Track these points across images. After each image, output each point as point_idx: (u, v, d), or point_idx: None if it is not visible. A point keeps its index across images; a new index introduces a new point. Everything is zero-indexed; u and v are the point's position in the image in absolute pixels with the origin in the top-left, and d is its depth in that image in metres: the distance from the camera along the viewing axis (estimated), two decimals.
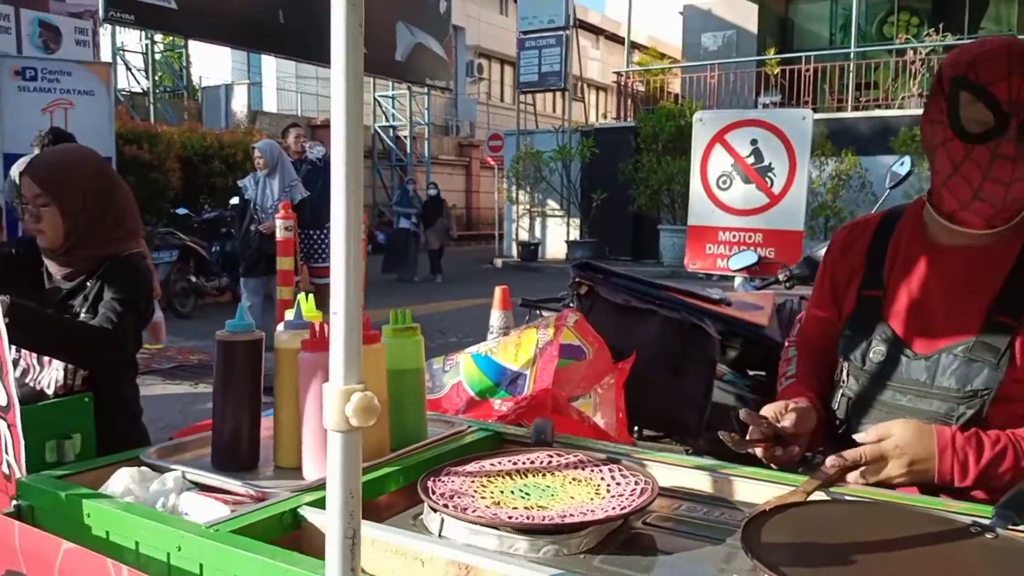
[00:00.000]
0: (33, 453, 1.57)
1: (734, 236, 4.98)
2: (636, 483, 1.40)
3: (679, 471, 1.56)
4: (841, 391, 1.68)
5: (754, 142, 4.72)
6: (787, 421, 1.55)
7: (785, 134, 4.57)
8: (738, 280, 5.00)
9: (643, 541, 1.30)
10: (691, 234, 5.19)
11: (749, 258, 4.65)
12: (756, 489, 1.46)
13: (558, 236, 18.91)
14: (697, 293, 4.06)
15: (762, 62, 18.16)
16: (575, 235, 18.43)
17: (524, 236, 19.28)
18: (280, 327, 1.60)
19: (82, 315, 2.18)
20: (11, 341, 1.97)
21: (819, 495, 1.38)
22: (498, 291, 5.18)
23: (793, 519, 1.24)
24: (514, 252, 19.01)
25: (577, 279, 3.85)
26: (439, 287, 13.65)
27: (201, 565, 1.15)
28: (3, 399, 1.44)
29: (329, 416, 0.96)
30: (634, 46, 22.59)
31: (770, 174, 4.69)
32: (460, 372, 2.09)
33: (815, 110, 15.45)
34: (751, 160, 4.75)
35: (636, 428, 3.89)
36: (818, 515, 1.26)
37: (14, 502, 1.35)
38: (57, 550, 1.10)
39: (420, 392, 1.71)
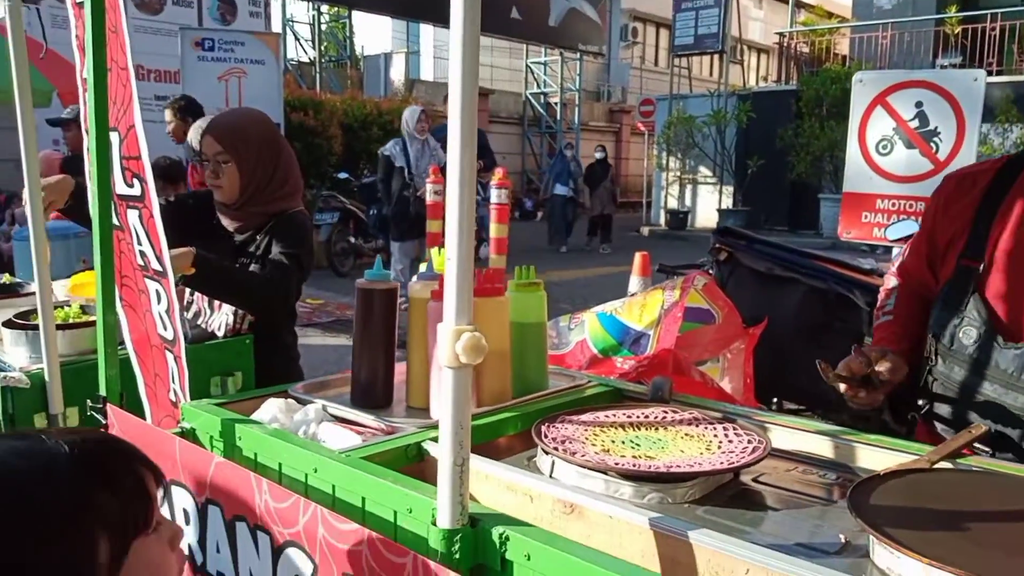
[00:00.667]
0: (200, 386, 1.77)
1: (893, 204, 4.68)
2: (749, 441, 1.41)
3: (799, 435, 1.54)
4: (928, 370, 1.59)
5: (919, 104, 4.39)
6: (882, 367, 1.49)
7: (954, 96, 4.22)
8: (896, 251, 4.72)
9: (751, 497, 1.31)
10: (846, 201, 4.93)
11: (909, 228, 4.36)
12: (878, 456, 1.43)
13: (709, 204, 18.38)
14: (847, 263, 3.88)
15: (941, 21, 16.69)
16: (727, 203, 17.85)
17: (673, 204, 18.89)
18: (414, 279, 1.72)
19: (252, 267, 2.39)
20: (192, 286, 2.21)
21: (942, 464, 1.34)
22: (638, 257, 5.16)
23: (908, 484, 1.21)
24: (662, 220, 18.68)
25: (717, 245, 3.78)
26: (588, 255, 13.56)
27: (334, 486, 1.28)
28: (171, 334, 1.63)
29: (442, 354, 1.04)
30: (799, 5, 21.40)
31: (935, 139, 4.36)
32: (585, 330, 2.14)
33: (1000, 72, 14.08)
34: (915, 124, 4.43)
35: (775, 400, 3.80)
36: (934, 482, 1.22)
37: (179, 424, 1.54)
38: (209, 463, 1.25)
39: (542, 345, 1.77)
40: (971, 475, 1.29)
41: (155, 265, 1.66)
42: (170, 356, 1.64)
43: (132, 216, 1.70)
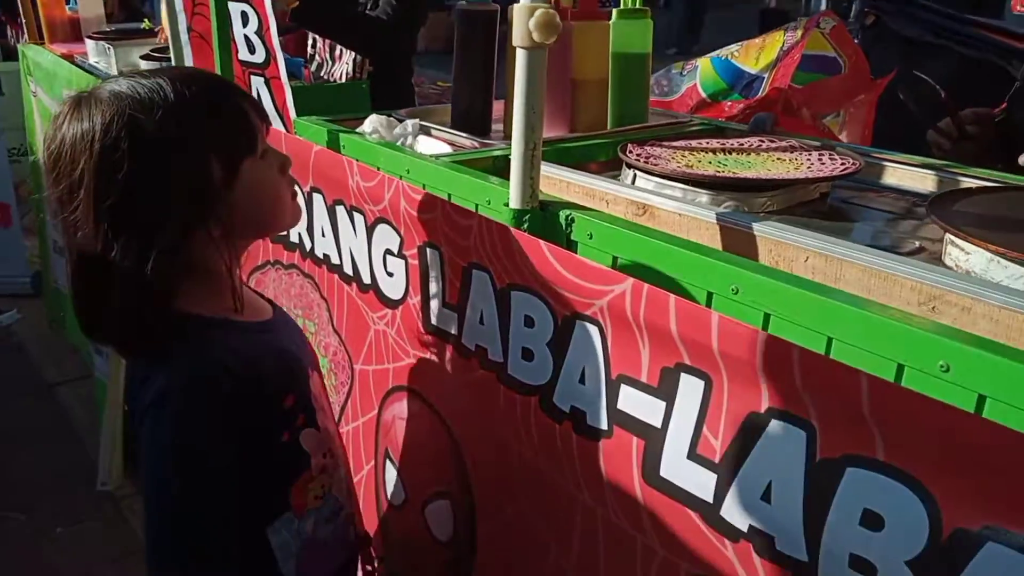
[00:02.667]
0: None
1: None
2: (843, 163, 1.37)
3: (902, 170, 1.49)
4: None
5: None
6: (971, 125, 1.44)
7: None
8: None
9: (832, 214, 1.30)
10: None
11: None
12: None
13: None
14: (1014, 31, 3.47)
15: None
16: None
17: None
18: None
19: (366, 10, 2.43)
20: (298, 22, 2.28)
21: None
22: None
23: (995, 199, 1.16)
24: None
25: (865, 8, 3.45)
26: None
27: (424, 185, 1.37)
28: (260, 56, 1.68)
29: (515, 33, 1.06)
30: None
31: None
32: (697, 76, 2.07)
33: None
34: None
35: None
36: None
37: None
38: (310, 151, 1.36)
39: (644, 77, 1.74)
40: None
41: None
42: (258, 80, 1.70)
43: None
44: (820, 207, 1.34)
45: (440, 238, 1.12)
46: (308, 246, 1.48)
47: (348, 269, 1.38)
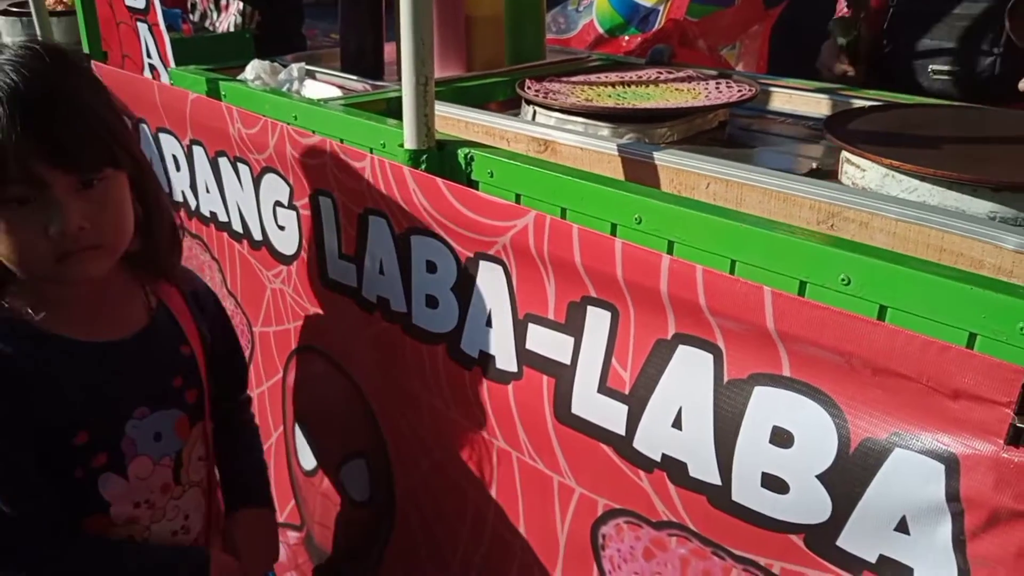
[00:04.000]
0: None
1: None
2: (739, 90, 1.36)
3: (797, 96, 1.49)
4: None
5: None
6: None
7: None
8: None
9: (732, 141, 1.30)
10: None
11: None
12: None
13: None
14: None
15: None
16: None
17: None
18: None
19: None
20: None
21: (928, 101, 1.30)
22: None
23: (889, 116, 1.17)
24: None
25: None
26: None
27: (314, 131, 1.29)
28: (142, 2, 1.56)
29: None
30: None
31: None
32: (593, 11, 2.03)
33: None
34: None
35: None
36: (917, 115, 1.18)
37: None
38: (185, 100, 1.26)
39: (539, 13, 1.69)
40: (956, 109, 1.25)
41: None
42: (143, 27, 1.59)
43: None
44: (719, 135, 1.33)
45: (331, 184, 1.06)
46: (193, 204, 1.39)
47: (237, 226, 1.30)
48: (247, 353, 1.43)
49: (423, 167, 1.07)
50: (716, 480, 0.74)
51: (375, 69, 1.63)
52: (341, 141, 1.23)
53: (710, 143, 1.28)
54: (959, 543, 0.59)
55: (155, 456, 0.96)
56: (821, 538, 0.69)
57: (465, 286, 0.94)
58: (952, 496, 0.58)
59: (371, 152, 1.15)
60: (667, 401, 0.76)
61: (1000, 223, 0.89)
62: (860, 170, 1.05)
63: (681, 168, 1.06)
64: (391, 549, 1.29)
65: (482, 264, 0.91)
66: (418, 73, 1.04)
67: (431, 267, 0.98)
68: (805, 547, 0.71)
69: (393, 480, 1.24)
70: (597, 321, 0.81)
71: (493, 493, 1.05)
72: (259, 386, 1.43)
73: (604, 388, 0.82)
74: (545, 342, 0.87)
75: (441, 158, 1.09)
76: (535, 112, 1.34)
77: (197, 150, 1.29)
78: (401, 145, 1.09)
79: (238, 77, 1.50)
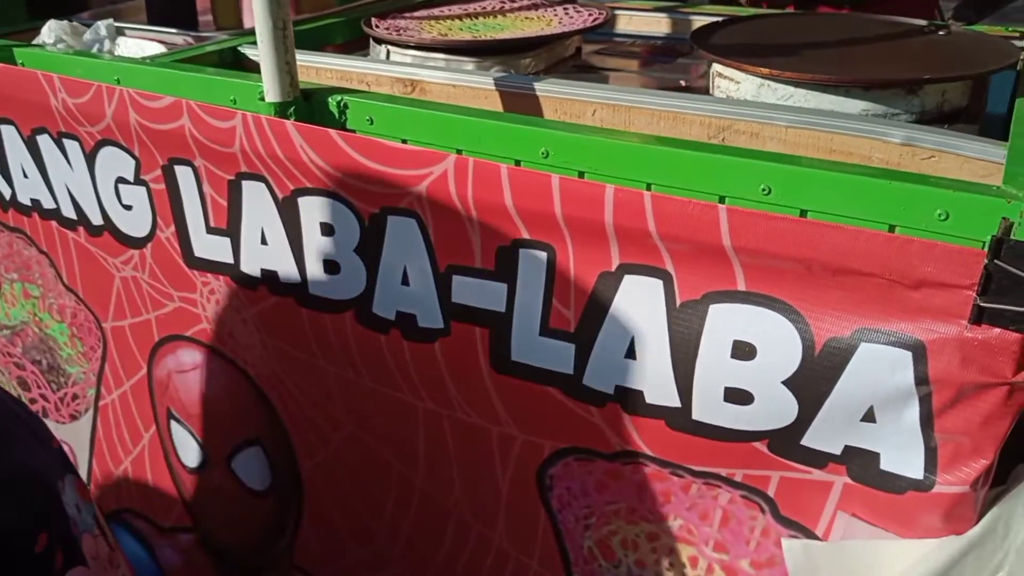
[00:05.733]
0: None
1: None
2: (590, 14, 1.35)
3: (639, 17, 1.51)
4: None
5: None
6: None
7: None
8: None
9: (594, 69, 1.29)
10: None
11: None
12: None
13: None
14: None
15: None
16: None
17: None
18: None
19: None
20: None
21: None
22: None
23: (749, 26, 1.21)
24: None
25: None
26: None
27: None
28: None
29: None
30: None
31: None
32: None
33: None
34: None
35: None
36: (777, 24, 1.23)
37: None
38: None
39: None
40: (808, 16, 1.31)
41: None
42: None
43: None
44: (578, 62, 1.32)
45: (191, 151, 0.94)
46: (7, 194, 1.19)
47: (69, 211, 1.13)
48: (98, 354, 1.27)
49: (292, 121, 0.97)
50: (675, 403, 0.74)
51: (190, 19, 1.47)
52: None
53: (572, 71, 1.27)
54: (927, 422, 0.63)
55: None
56: (785, 440, 0.71)
57: (371, 245, 0.87)
58: (921, 380, 0.61)
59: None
60: (617, 333, 0.75)
61: (873, 119, 0.94)
62: (734, 83, 1.07)
63: (565, 97, 1.03)
64: (303, 531, 1.22)
65: (391, 220, 0.84)
66: (274, 16, 0.93)
67: (327, 230, 0.90)
68: (768, 451, 0.73)
69: (296, 462, 1.16)
70: (532, 263, 0.78)
71: (420, 456, 1.01)
72: (119, 386, 1.28)
73: (547, 330, 0.79)
74: (474, 293, 0.83)
75: (310, 109, 1.00)
76: (388, 52, 1.26)
77: (7, 130, 1.10)
78: (261, 99, 0.98)
79: (33, 42, 1.29)
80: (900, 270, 0.60)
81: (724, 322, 0.69)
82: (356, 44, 1.43)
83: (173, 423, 1.25)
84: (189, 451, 1.25)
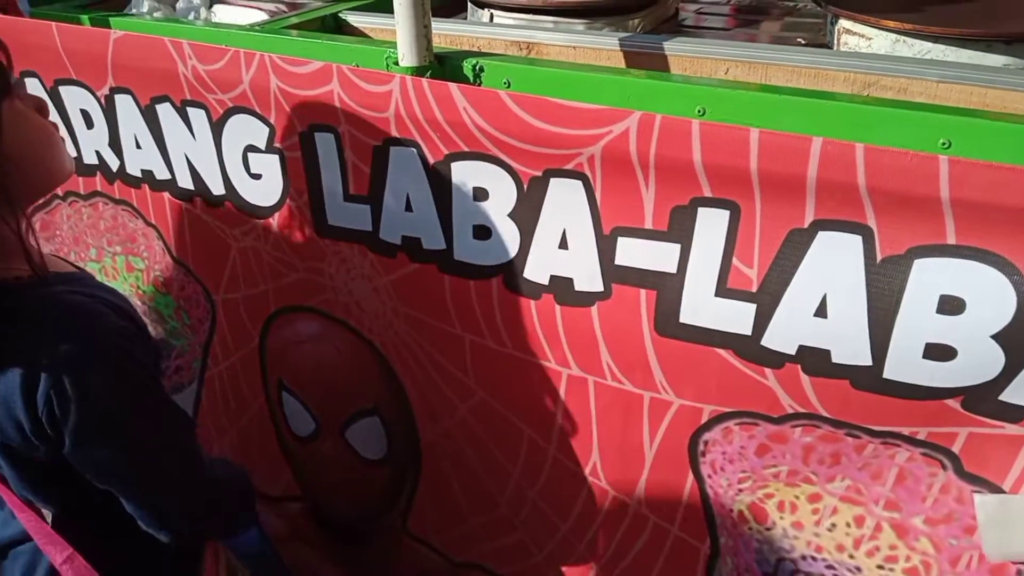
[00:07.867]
0: None
1: None
2: None
3: None
4: None
5: None
6: None
7: None
8: None
9: (698, 26, 1.27)
10: None
11: None
12: None
13: None
14: None
15: None
16: None
17: None
18: None
19: None
20: None
21: None
22: None
23: None
24: None
25: None
26: None
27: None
28: None
29: None
30: None
31: None
32: None
33: None
34: None
35: None
36: None
37: None
38: (106, 42, 1.04)
39: None
40: None
41: None
42: None
43: None
44: (680, 24, 1.30)
45: (338, 117, 0.92)
46: (115, 165, 1.17)
47: (185, 182, 1.11)
48: (206, 326, 1.26)
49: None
50: (866, 361, 0.74)
51: None
52: None
53: (678, 31, 1.25)
54: None
55: None
56: (983, 396, 0.71)
57: (529, 209, 0.86)
58: None
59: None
60: (806, 292, 0.74)
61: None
62: (864, 39, 1.05)
63: (695, 56, 1.01)
64: (419, 499, 1.22)
65: (553, 182, 0.83)
66: None
67: (480, 194, 0.88)
68: (961, 408, 0.73)
69: (417, 430, 1.15)
70: (711, 222, 0.76)
71: (556, 423, 1.01)
72: (227, 358, 1.27)
73: (724, 291, 0.78)
74: (641, 254, 0.82)
75: (445, 73, 0.98)
76: (492, 15, 1.24)
77: (122, 99, 1.08)
78: (395, 63, 0.97)
79: (128, 11, 1.27)
80: None
81: (930, 277, 0.68)
82: (450, 9, 1.41)
83: (284, 393, 1.24)
84: (300, 421, 1.25)
